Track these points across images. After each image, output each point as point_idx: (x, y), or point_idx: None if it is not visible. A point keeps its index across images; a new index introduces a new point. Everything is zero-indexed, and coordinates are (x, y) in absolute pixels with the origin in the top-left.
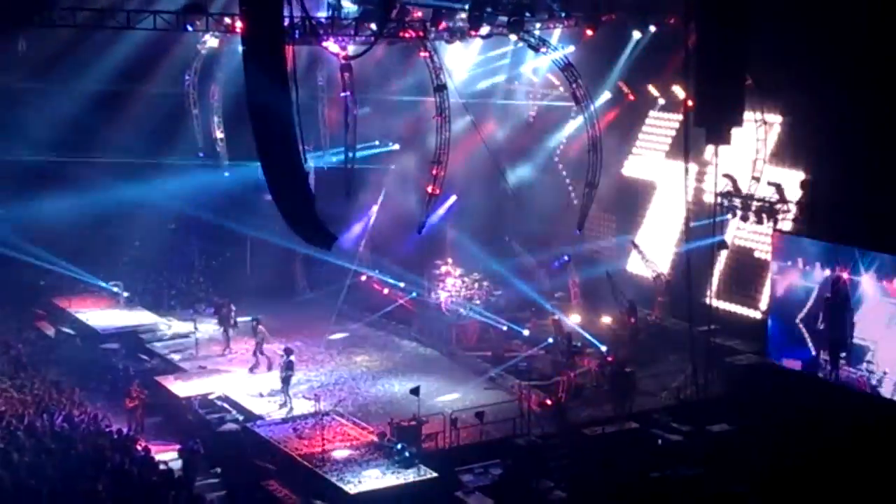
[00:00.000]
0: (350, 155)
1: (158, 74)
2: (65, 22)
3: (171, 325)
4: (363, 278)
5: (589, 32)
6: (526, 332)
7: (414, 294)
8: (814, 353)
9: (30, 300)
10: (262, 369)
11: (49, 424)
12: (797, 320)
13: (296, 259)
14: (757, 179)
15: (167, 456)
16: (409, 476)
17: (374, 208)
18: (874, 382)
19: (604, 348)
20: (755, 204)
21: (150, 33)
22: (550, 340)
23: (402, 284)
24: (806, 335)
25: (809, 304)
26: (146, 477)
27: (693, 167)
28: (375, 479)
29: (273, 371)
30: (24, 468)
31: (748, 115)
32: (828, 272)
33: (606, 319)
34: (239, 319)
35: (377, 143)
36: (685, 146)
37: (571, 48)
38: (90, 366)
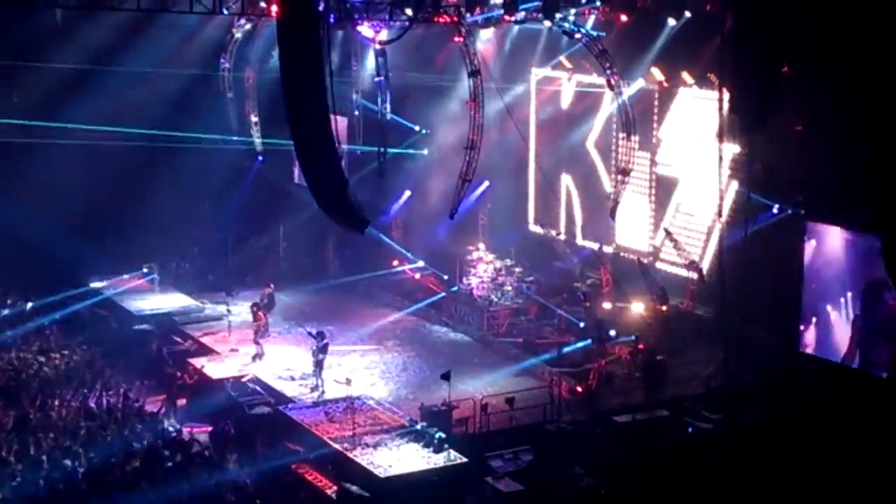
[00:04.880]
0: (383, 139)
1: (193, 57)
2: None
3: (204, 308)
4: (395, 263)
5: (623, 18)
6: (582, 325)
7: (455, 288)
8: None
9: (64, 281)
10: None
11: (82, 403)
12: (828, 309)
13: (328, 241)
14: (790, 168)
15: (199, 437)
16: (439, 460)
17: (407, 193)
18: None
19: (633, 337)
20: (788, 192)
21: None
22: (581, 325)
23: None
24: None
25: (843, 312)
26: (178, 457)
27: (727, 154)
28: (405, 463)
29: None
30: (57, 449)
31: None
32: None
33: (638, 307)
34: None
35: (417, 128)
36: (720, 133)
37: (604, 34)
38: (123, 346)
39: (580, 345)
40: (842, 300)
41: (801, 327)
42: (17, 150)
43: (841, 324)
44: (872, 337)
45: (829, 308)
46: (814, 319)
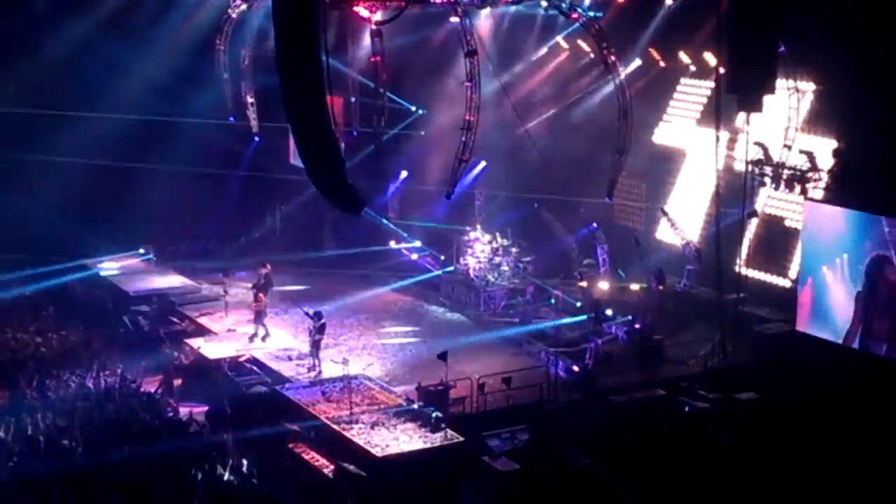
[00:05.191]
0: (379, 119)
1: (189, 38)
2: None
3: (201, 289)
4: (392, 243)
5: None
6: (579, 304)
7: (452, 269)
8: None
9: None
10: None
11: (79, 384)
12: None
13: (325, 222)
14: (788, 147)
15: (196, 417)
16: (435, 440)
17: (403, 173)
18: None
19: (630, 317)
20: (786, 172)
21: None
22: (578, 304)
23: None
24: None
25: (839, 273)
26: (175, 437)
27: (724, 135)
28: (402, 442)
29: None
30: (54, 429)
31: (780, 83)
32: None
33: (635, 287)
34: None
35: (414, 108)
36: (716, 113)
37: (601, 14)
38: (119, 327)
39: (576, 320)
40: (837, 261)
41: (798, 288)
42: (14, 137)
43: (836, 284)
44: (875, 310)
45: (824, 269)
46: (809, 280)
